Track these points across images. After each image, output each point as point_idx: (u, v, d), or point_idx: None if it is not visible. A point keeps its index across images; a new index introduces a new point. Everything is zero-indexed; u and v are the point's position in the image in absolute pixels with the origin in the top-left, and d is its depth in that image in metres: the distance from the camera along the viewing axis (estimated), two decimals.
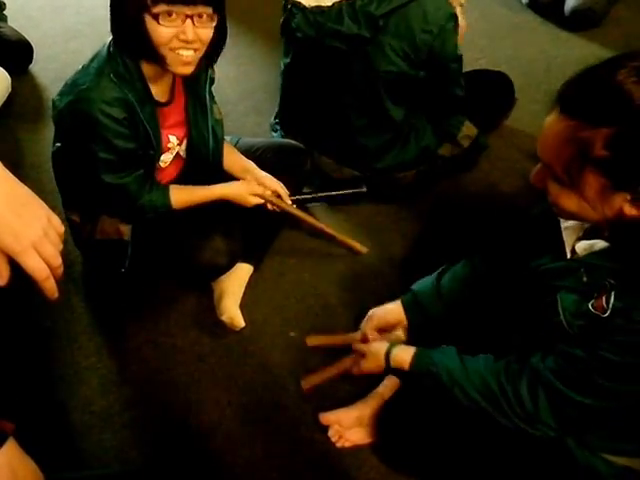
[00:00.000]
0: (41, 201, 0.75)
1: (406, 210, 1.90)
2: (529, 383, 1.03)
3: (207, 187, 1.48)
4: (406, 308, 1.35)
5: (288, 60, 1.78)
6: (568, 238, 1.06)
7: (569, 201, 0.93)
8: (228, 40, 2.36)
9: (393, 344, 1.23)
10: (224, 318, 1.53)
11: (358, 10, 1.53)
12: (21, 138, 2.09)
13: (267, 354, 1.54)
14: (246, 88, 2.31)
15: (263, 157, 1.64)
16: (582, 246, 1.02)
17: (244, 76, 2.38)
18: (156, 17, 1.21)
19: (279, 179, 1.58)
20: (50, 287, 0.74)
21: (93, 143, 1.31)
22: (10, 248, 0.69)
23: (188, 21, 1.22)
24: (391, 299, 1.39)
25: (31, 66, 2.34)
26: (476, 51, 2.29)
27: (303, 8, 1.60)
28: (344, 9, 1.54)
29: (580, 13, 2.56)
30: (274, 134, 1.95)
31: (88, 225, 1.52)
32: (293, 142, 1.73)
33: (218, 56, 1.42)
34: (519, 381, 1.04)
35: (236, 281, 1.59)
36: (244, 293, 1.61)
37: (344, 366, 1.34)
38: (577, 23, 2.59)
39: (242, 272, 1.61)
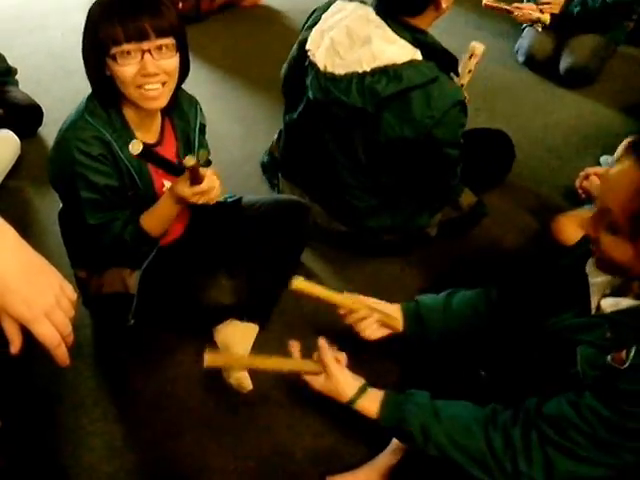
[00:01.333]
0: (54, 269, 0.77)
1: (408, 266, 1.92)
2: (523, 432, 0.99)
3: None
4: (405, 315, 1.33)
5: (295, 115, 1.83)
6: (594, 295, 1.06)
7: (622, 252, 0.93)
8: (234, 101, 2.43)
9: (365, 387, 1.14)
10: (231, 381, 1.52)
11: (366, 86, 1.55)
12: (29, 200, 2.13)
13: (274, 417, 1.52)
14: (252, 149, 2.35)
15: (264, 213, 1.65)
16: (609, 302, 1.03)
17: (250, 137, 2.42)
18: (115, 58, 1.25)
19: (280, 235, 1.59)
20: (62, 355, 0.75)
21: (74, 183, 1.33)
22: (22, 316, 0.70)
23: (147, 55, 1.25)
24: (402, 361, 1.37)
25: (40, 129, 2.39)
26: (474, 108, 2.33)
27: (317, 70, 1.63)
28: (354, 82, 1.57)
29: (575, 71, 2.63)
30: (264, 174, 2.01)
31: (94, 280, 1.54)
32: (294, 198, 1.75)
33: (181, 84, 1.43)
34: (512, 430, 1.00)
35: (242, 342, 1.58)
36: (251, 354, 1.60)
37: (289, 366, 1.21)
38: (572, 81, 2.66)
39: (249, 332, 1.61)
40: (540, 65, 2.74)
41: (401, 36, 1.55)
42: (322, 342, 1.16)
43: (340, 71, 1.59)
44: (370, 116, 1.59)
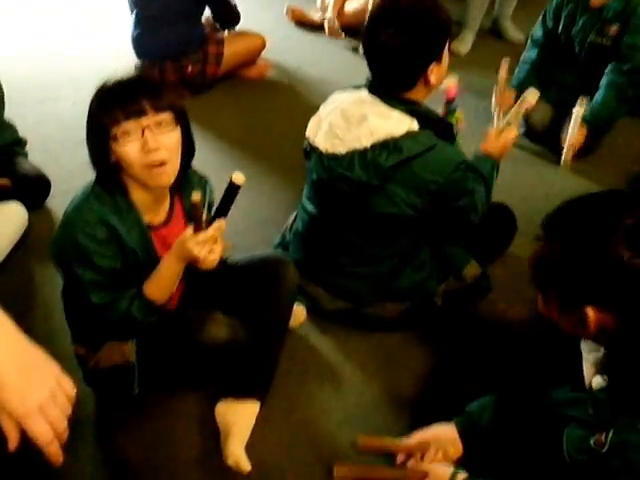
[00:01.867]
0: (52, 362, 0.76)
1: (411, 340, 1.91)
2: None
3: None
4: (461, 431, 1.38)
5: (307, 193, 1.89)
6: (588, 371, 1.09)
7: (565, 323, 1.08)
8: (239, 172, 2.46)
9: (458, 470, 1.24)
10: (230, 462, 1.50)
11: (368, 160, 1.60)
12: (34, 273, 2.14)
13: None
14: (256, 220, 2.37)
15: (246, 269, 1.66)
16: (597, 380, 1.06)
17: (254, 208, 2.45)
18: (116, 139, 1.29)
19: (263, 293, 1.61)
20: (54, 452, 0.73)
21: (78, 265, 1.35)
22: (16, 411, 0.70)
23: (147, 132, 1.30)
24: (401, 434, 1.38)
25: (48, 200, 2.42)
26: None
27: (319, 153, 1.70)
28: (356, 158, 1.62)
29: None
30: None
31: (93, 355, 1.53)
32: (278, 253, 1.76)
33: (189, 165, 1.47)
34: None
35: (242, 420, 1.56)
36: (251, 431, 1.58)
37: (384, 476, 1.35)
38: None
39: (248, 411, 1.59)
40: (540, 136, 2.78)
41: (396, 109, 1.61)
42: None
43: (341, 150, 1.65)
44: (375, 189, 1.63)
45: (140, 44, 3.08)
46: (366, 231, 1.76)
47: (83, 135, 2.80)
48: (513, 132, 1.88)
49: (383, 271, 1.81)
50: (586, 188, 2.56)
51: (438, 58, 1.61)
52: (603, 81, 2.60)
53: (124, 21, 3.78)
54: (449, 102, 1.92)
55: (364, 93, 1.68)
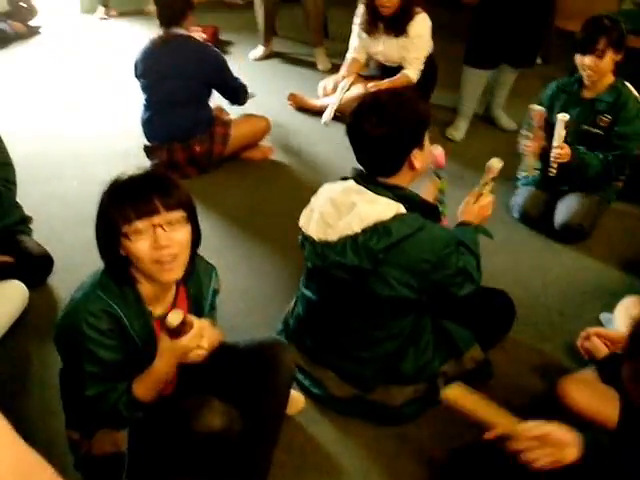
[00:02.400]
0: (46, 465, 0.76)
1: (413, 428, 1.89)
2: None
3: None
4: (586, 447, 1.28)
5: (305, 281, 1.92)
6: None
7: None
8: (241, 253, 2.50)
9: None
10: None
11: (360, 245, 1.65)
12: (32, 352, 2.13)
13: None
14: (257, 300, 2.39)
15: (242, 352, 1.64)
16: None
17: (255, 288, 2.47)
18: (127, 236, 1.31)
19: (259, 377, 1.58)
20: None
21: (79, 355, 1.35)
22: None
23: (158, 229, 1.32)
24: None
25: (50, 278, 2.44)
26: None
27: (312, 241, 1.75)
28: (348, 244, 1.67)
29: (570, 228, 2.72)
30: None
31: (86, 442, 1.50)
32: (275, 337, 1.76)
33: (195, 252, 1.48)
34: None
35: None
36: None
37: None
38: (568, 237, 2.75)
39: None
40: (535, 221, 2.85)
41: (383, 195, 1.68)
42: None
43: (333, 237, 1.70)
44: (369, 273, 1.67)
45: (150, 127, 3.19)
46: (366, 314, 1.78)
47: (86, 213, 2.85)
48: (487, 198, 1.95)
49: (386, 354, 1.81)
50: (583, 274, 2.59)
51: (420, 145, 1.70)
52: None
53: (130, 101, 3.93)
54: (437, 170, 2.05)
55: (351, 183, 1.76)
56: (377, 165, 1.72)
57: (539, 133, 2.69)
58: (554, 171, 2.65)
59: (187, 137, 3.12)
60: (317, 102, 3.93)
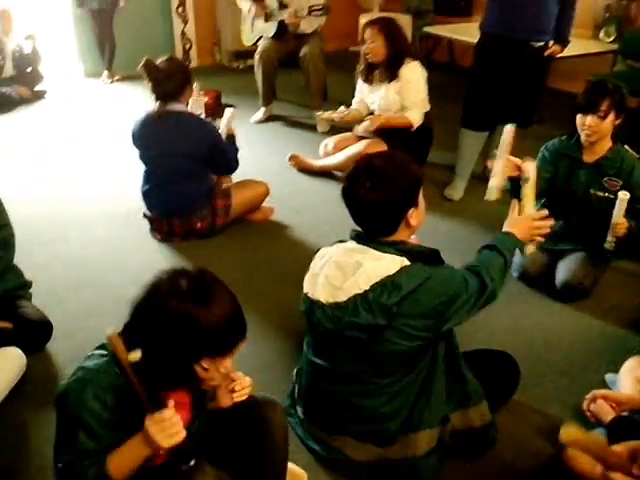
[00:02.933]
0: None
1: None
2: None
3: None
4: None
5: (312, 348, 1.91)
6: None
7: None
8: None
9: None
10: None
11: (372, 302, 1.66)
12: (28, 420, 2.08)
13: None
14: (260, 363, 2.36)
15: (233, 414, 1.59)
16: None
17: (258, 351, 2.45)
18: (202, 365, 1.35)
19: (250, 437, 1.56)
20: None
21: (77, 424, 1.31)
22: None
23: (228, 359, 1.39)
24: None
25: (49, 344, 2.42)
26: (474, 325, 2.37)
27: (322, 304, 1.74)
28: (359, 302, 1.67)
29: (571, 287, 2.71)
30: (289, 419, 1.95)
31: None
32: (265, 396, 1.72)
33: None
34: None
35: None
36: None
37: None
38: (569, 296, 2.74)
39: None
40: (534, 281, 2.85)
41: (385, 252, 1.70)
42: None
43: (343, 298, 1.70)
44: (384, 327, 1.67)
45: (149, 199, 3.22)
46: (382, 371, 1.76)
47: (88, 277, 2.89)
48: (531, 212, 2.00)
49: (406, 404, 1.79)
50: (585, 333, 2.57)
51: (415, 204, 1.73)
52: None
53: (132, 164, 3.99)
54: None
55: (352, 244, 1.77)
56: (374, 227, 1.75)
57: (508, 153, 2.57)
58: (613, 244, 2.64)
59: (186, 213, 3.13)
60: (318, 163, 3.99)
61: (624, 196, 2.53)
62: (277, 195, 3.53)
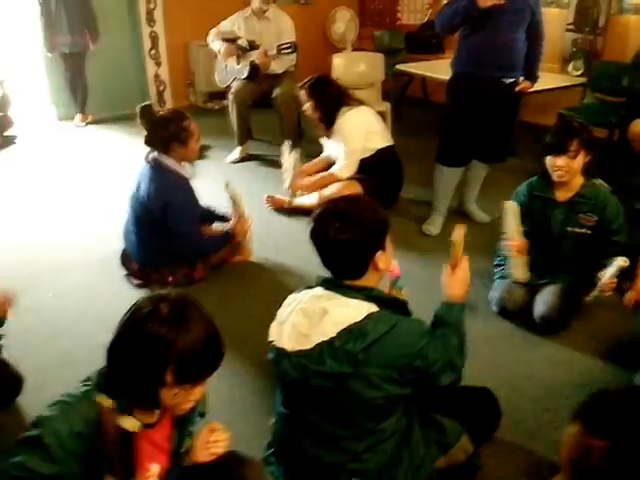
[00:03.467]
0: None
1: None
2: None
3: None
4: None
5: (281, 399, 1.86)
6: None
7: None
8: (223, 360, 2.44)
9: None
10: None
11: (338, 349, 1.63)
12: None
13: None
14: (240, 409, 2.32)
15: (209, 475, 1.57)
16: None
17: (238, 398, 2.41)
18: (171, 388, 1.31)
19: None
20: None
21: (36, 447, 1.26)
22: None
23: (198, 387, 1.34)
24: None
25: (20, 396, 2.34)
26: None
27: (287, 353, 1.71)
28: (325, 350, 1.64)
29: (549, 320, 2.72)
30: (269, 467, 1.90)
31: None
32: (241, 454, 1.69)
33: None
34: None
35: None
36: None
37: None
38: (547, 329, 2.74)
39: None
40: (513, 315, 2.85)
41: (353, 297, 1.69)
42: None
43: (309, 345, 1.67)
44: (350, 376, 1.63)
45: (125, 242, 3.22)
46: (351, 422, 1.71)
47: (61, 327, 2.83)
48: (464, 262, 1.92)
49: (381, 462, 1.74)
50: (566, 366, 2.56)
51: (382, 247, 1.74)
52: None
53: (104, 208, 3.96)
54: (395, 280, 2.09)
55: (319, 290, 1.75)
56: (344, 268, 1.74)
57: (516, 232, 2.73)
58: (593, 299, 2.65)
59: (159, 267, 3.12)
60: (294, 203, 3.99)
61: (624, 263, 2.51)
62: (255, 236, 3.51)
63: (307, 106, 3.78)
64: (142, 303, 1.36)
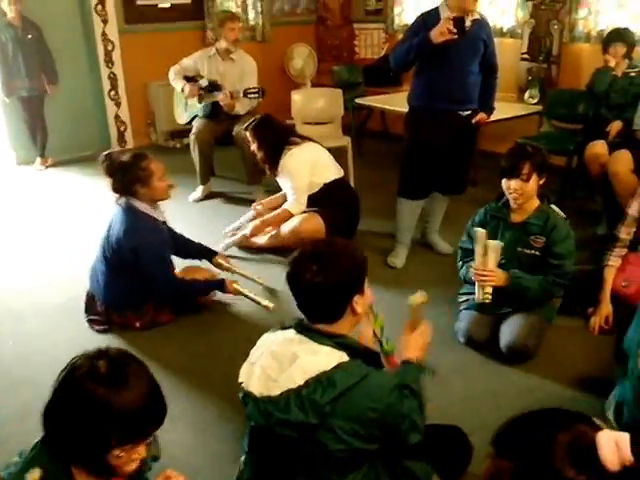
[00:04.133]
0: None
1: None
2: None
3: None
4: None
5: (247, 437, 1.82)
6: None
7: None
8: (186, 405, 2.41)
9: None
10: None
11: (304, 398, 1.59)
12: None
13: None
14: (208, 454, 2.27)
15: None
16: None
17: (205, 442, 2.36)
18: (117, 450, 1.27)
19: None
20: None
21: None
22: None
23: (141, 445, 1.30)
24: None
25: None
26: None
27: (254, 397, 1.67)
28: (291, 398, 1.60)
29: (515, 350, 2.74)
30: None
31: None
32: None
33: None
34: None
35: None
36: None
37: None
38: (514, 358, 2.76)
39: None
40: (480, 345, 2.86)
41: (324, 344, 1.66)
42: None
43: (276, 392, 1.64)
44: (316, 427, 1.60)
45: (90, 281, 3.17)
46: (318, 473, 1.67)
47: (23, 377, 2.74)
48: (422, 325, 1.94)
49: None
50: (536, 395, 2.57)
51: (361, 290, 1.73)
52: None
53: (64, 253, 3.90)
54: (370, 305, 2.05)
55: (291, 333, 1.72)
56: (320, 312, 1.71)
57: (483, 257, 2.78)
58: (489, 297, 2.75)
59: (125, 310, 3.07)
60: (258, 241, 3.98)
61: (498, 244, 2.67)
62: (219, 274, 3.47)
63: (253, 147, 3.87)
64: (79, 361, 1.31)
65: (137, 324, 3.07)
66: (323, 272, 1.64)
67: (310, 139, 3.95)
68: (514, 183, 2.73)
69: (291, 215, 3.81)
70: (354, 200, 3.95)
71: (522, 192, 2.73)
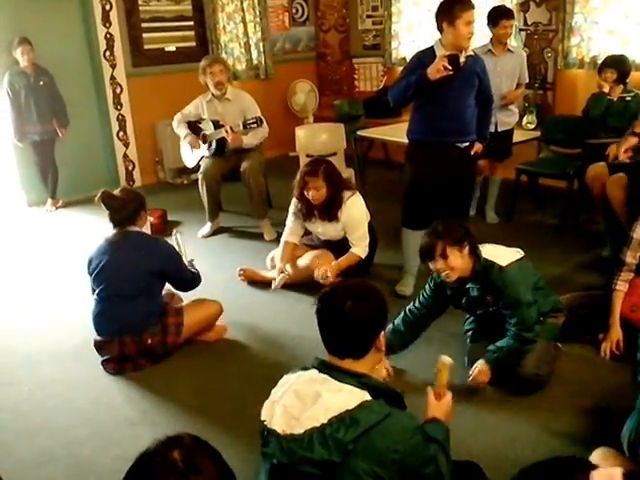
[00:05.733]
0: None
1: None
2: None
3: None
4: None
5: (265, 475, 1.81)
6: None
7: None
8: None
9: None
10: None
11: (328, 437, 1.61)
12: None
13: None
14: None
15: None
16: None
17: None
18: None
19: None
20: None
21: None
22: None
23: None
24: None
25: None
26: None
27: (277, 435, 1.69)
28: (315, 436, 1.62)
29: (526, 380, 2.74)
30: None
31: None
32: None
33: None
34: None
35: None
36: None
37: None
38: (525, 388, 2.76)
39: None
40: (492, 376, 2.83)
41: (347, 383, 1.69)
42: None
43: (299, 430, 1.66)
44: (338, 465, 1.61)
45: (100, 321, 3.17)
46: None
47: (39, 422, 2.77)
48: (448, 396, 2.05)
49: None
50: (550, 426, 2.56)
51: (384, 326, 1.83)
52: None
53: (77, 296, 3.93)
54: None
55: (314, 373, 1.76)
56: (350, 347, 1.76)
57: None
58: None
59: (138, 330, 3.10)
60: (267, 274, 4.03)
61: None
62: (229, 310, 3.49)
63: (320, 191, 3.68)
64: (151, 451, 1.25)
65: (149, 341, 3.12)
66: (358, 307, 1.73)
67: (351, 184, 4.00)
68: (435, 264, 2.69)
69: (359, 259, 3.83)
70: (374, 239, 4.00)
71: (448, 268, 2.67)
